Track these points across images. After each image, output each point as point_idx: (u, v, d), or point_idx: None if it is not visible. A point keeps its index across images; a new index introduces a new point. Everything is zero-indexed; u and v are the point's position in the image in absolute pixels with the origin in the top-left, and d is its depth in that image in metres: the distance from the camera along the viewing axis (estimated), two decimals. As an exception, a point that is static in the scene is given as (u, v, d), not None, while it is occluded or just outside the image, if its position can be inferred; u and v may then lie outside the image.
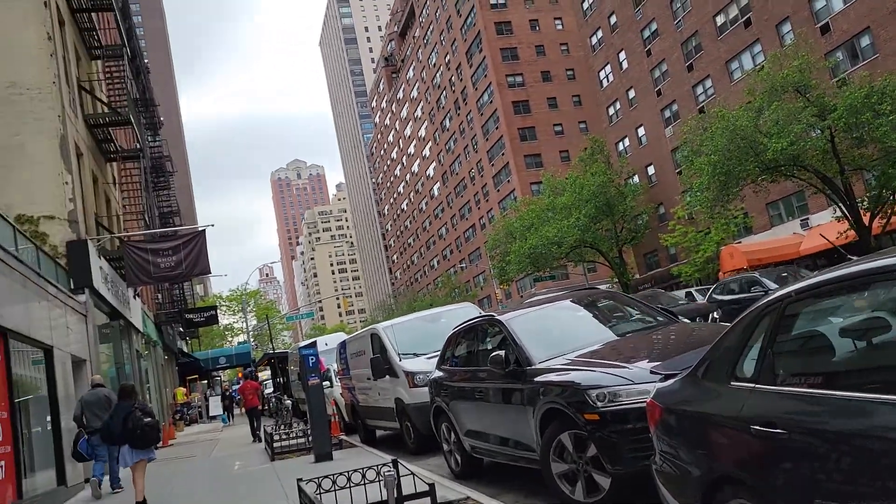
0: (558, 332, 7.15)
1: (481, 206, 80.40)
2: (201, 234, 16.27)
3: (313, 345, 11.61)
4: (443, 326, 12.08)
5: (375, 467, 6.55)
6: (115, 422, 8.80)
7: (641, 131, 49.44)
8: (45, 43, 14.96)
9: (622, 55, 50.36)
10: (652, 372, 4.89)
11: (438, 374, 8.71)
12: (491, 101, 73.57)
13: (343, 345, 14.46)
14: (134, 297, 21.47)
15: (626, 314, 7.65)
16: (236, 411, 32.96)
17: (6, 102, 14.67)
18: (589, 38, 55.04)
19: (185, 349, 41.04)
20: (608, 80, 52.74)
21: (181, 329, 37.25)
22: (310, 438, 12.65)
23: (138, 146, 20.13)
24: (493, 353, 6.73)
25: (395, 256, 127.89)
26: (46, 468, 11.19)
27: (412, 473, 6.68)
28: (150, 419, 8.82)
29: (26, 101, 14.73)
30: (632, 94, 49.81)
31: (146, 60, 44.00)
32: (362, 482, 6.44)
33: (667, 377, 4.10)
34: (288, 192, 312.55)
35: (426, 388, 10.40)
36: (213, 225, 16.44)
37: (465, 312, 12.45)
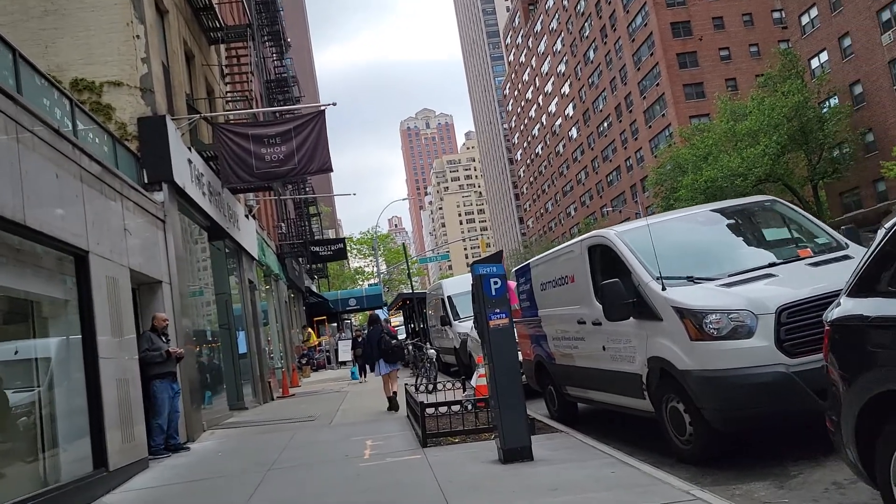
0: None
1: (628, 146, 72.64)
2: (319, 116, 11.64)
3: (496, 259, 6.59)
4: (736, 231, 6.75)
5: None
6: (371, 343, 11.93)
7: (847, 41, 40.22)
8: None
9: (824, -53, 40.97)
10: None
11: (864, 311, 3.38)
12: (645, 24, 65.09)
13: (525, 270, 9.36)
14: (247, 217, 17.56)
15: None
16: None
17: (57, -79, 10.53)
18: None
19: (314, 289, 38.08)
20: (802, -18, 43.43)
21: (308, 266, 34.02)
22: (486, 416, 7.84)
23: (248, 24, 15.85)
24: None
25: (526, 205, 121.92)
26: (79, 439, 7.06)
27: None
28: (395, 341, 12.15)
29: (82, -83, 10.52)
30: (836, -6, 40.55)
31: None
32: None
33: None
34: (417, 141, 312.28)
35: (729, 343, 5.20)
36: (334, 103, 11.80)
37: (759, 207, 7.03)
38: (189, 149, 12.10)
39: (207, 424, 11.13)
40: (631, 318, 6.25)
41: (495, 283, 6.46)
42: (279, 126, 11.65)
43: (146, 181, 10.46)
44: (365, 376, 19.10)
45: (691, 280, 6.00)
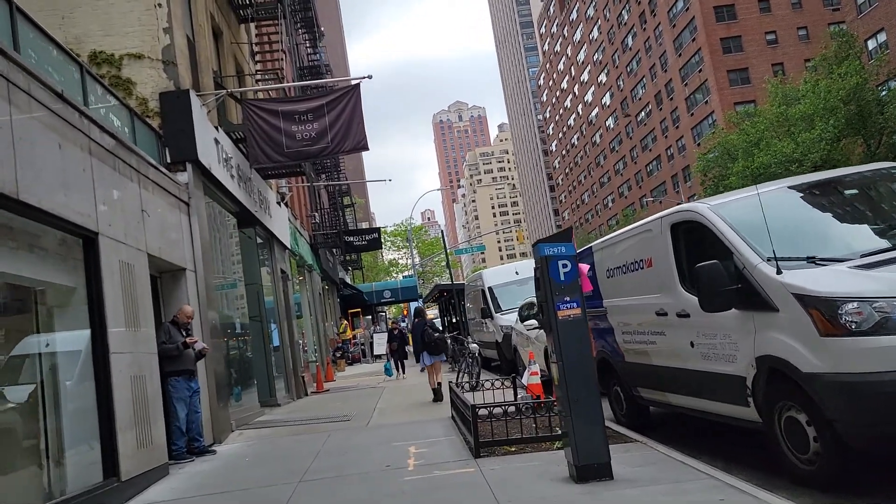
0: None
1: (669, 135, 70.53)
2: (354, 91, 10.70)
3: (566, 237, 5.55)
4: (858, 203, 5.60)
5: None
6: (415, 336, 12.83)
7: (908, 19, 37.98)
8: None
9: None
10: None
11: None
12: (687, 8, 62.95)
13: (585, 255, 8.29)
14: (279, 204, 16.77)
15: None
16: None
17: None
18: None
19: (348, 281, 37.38)
20: (859, -42, 41.23)
21: (342, 257, 33.28)
22: (547, 420, 6.83)
23: (279, 1, 14.97)
24: None
25: (562, 196, 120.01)
26: (88, 445, 6.25)
27: None
28: (437, 334, 12.52)
29: None
30: (896, -31, 38.31)
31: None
32: None
33: None
34: (449, 134, 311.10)
35: (874, 340, 4.07)
36: (370, 76, 10.84)
37: (881, 175, 5.85)
38: (216, 128, 11.28)
39: (236, 424, 10.32)
40: (733, 308, 5.17)
41: (564, 265, 5.42)
42: (311, 102, 10.74)
43: (169, 161, 9.66)
44: (403, 372, 18.12)
45: (813, 261, 4.88)
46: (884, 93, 36.85)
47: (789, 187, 5.91)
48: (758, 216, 5.19)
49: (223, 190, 11.42)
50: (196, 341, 8.38)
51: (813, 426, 4.65)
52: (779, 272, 4.79)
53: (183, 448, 8.10)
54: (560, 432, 6.22)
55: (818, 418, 4.56)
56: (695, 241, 5.87)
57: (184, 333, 8.37)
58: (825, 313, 4.41)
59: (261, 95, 14.08)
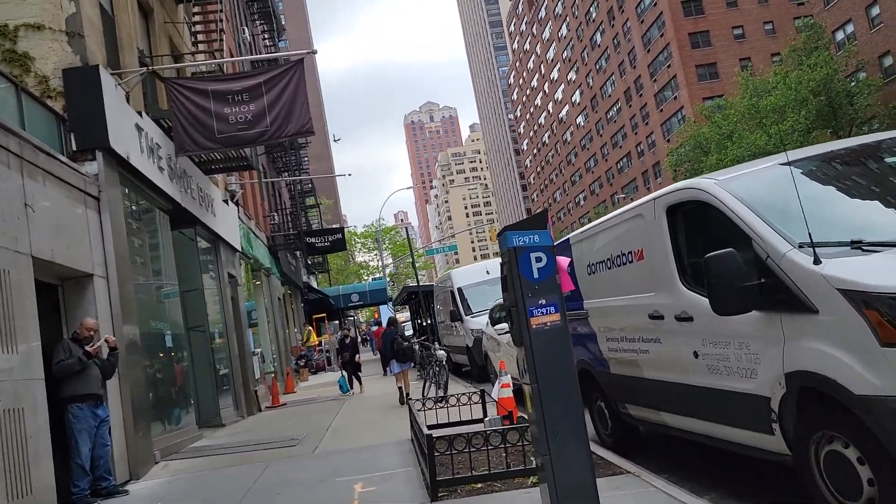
0: None
1: (639, 131, 70.07)
2: (296, 67, 9.38)
3: (540, 223, 4.34)
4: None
5: None
6: (386, 344, 12.92)
7: (875, 10, 37.69)
8: None
9: None
10: None
11: None
12: (655, 4, 62.47)
13: (564, 246, 7.10)
14: (226, 202, 15.35)
15: None
16: (370, 357, 27.00)
17: None
18: None
19: (314, 284, 35.84)
20: (825, -52, 40.89)
21: (306, 260, 31.80)
22: (520, 447, 5.64)
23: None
24: None
25: (534, 195, 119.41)
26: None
27: None
28: (406, 343, 12.80)
29: None
30: (864, -41, 38.02)
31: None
32: None
33: None
34: (421, 134, 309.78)
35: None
36: (315, 51, 9.54)
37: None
38: (140, 113, 9.88)
39: (163, 453, 8.94)
40: (753, 309, 4.00)
41: (538, 259, 4.21)
42: (246, 80, 9.40)
43: (75, 148, 8.26)
44: (361, 385, 16.65)
45: (859, 246, 3.74)
46: (853, 84, 36.54)
47: (813, 156, 4.77)
48: (780, 192, 4.06)
49: (149, 184, 10.03)
50: (98, 348, 6.99)
51: (867, 465, 3.50)
52: (817, 262, 3.64)
53: (86, 490, 6.73)
54: (535, 465, 5.05)
55: (876, 455, 3.41)
56: (699, 227, 4.72)
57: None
58: (887, 315, 3.26)
59: (191, 73, 12.68)
